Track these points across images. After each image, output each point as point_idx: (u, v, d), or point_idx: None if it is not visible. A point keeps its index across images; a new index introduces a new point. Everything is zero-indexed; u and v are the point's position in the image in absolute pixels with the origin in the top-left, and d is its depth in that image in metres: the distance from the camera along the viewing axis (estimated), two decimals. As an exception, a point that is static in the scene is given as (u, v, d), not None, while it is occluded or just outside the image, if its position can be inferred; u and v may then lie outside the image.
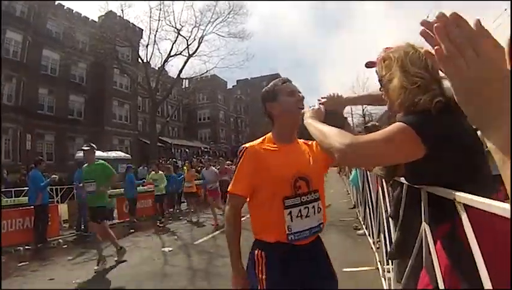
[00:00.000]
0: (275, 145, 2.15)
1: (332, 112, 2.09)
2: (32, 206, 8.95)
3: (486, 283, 1.13)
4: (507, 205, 0.96)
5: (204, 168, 12.57)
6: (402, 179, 2.31)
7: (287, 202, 2.00)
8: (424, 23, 0.71)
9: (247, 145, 2.17)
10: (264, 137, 2.23)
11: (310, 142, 2.30)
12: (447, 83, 1.51)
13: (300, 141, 2.31)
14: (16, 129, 25.46)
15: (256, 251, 2.08)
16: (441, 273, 1.45)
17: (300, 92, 2.21)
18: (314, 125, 1.72)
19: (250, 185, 2.08)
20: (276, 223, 2.00)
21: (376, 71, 1.73)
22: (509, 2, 2.66)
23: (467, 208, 1.24)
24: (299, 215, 2.01)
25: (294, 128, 2.22)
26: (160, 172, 13.09)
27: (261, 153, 2.09)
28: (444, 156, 1.38)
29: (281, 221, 1.99)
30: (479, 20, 0.64)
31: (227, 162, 16.28)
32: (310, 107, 2.10)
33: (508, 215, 0.86)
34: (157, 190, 12.49)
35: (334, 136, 1.45)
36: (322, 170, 2.29)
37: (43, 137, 28.96)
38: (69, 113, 31.21)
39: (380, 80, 1.69)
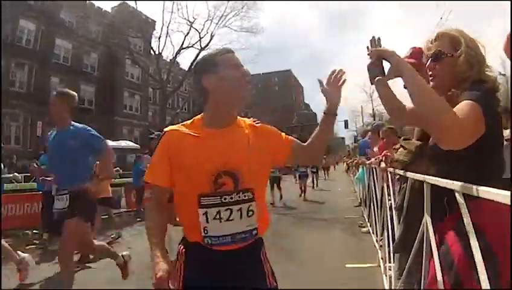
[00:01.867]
0: (200, 131, 1.76)
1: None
2: (41, 192, 9.01)
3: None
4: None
5: None
6: (408, 173, 2.33)
7: (202, 201, 1.67)
8: None
9: (168, 128, 1.84)
10: (193, 119, 1.87)
11: (257, 125, 1.91)
12: None
13: (246, 121, 1.91)
14: (26, 116, 25.84)
15: (180, 246, 1.83)
16: (455, 263, 1.45)
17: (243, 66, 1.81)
18: (422, 84, 1.48)
19: (168, 173, 1.74)
20: (192, 222, 1.70)
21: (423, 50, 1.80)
22: (510, 2, 2.66)
23: (470, 197, 1.25)
24: (217, 217, 1.67)
25: (233, 109, 1.82)
26: None
27: (179, 140, 1.74)
28: (495, 139, 1.44)
29: (196, 221, 1.68)
30: None
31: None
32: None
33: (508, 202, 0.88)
34: None
35: (441, 109, 1.34)
36: (267, 164, 1.90)
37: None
38: (80, 102, 31.35)
39: (435, 55, 1.70)
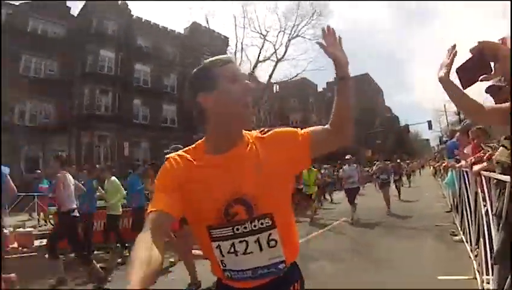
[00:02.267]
0: (202, 159, 1.51)
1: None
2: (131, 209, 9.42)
3: None
4: None
5: None
6: (504, 177, 2.13)
7: (213, 233, 1.45)
8: None
9: (169, 155, 1.59)
10: (196, 144, 1.62)
11: (264, 135, 1.58)
12: None
13: (253, 134, 1.60)
14: (113, 138, 28.23)
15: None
16: None
17: (248, 78, 1.56)
18: None
19: (173, 201, 1.41)
20: (210, 256, 1.52)
21: None
22: (510, 2, 2.46)
23: None
24: (232, 251, 1.45)
25: (238, 130, 1.54)
26: (112, 178, 8.30)
27: (182, 169, 1.49)
28: None
29: (211, 254, 1.49)
30: None
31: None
32: None
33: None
34: (111, 208, 8.38)
35: None
36: (286, 176, 1.57)
37: (139, 144, 31.35)
38: (163, 121, 33.32)
39: None
